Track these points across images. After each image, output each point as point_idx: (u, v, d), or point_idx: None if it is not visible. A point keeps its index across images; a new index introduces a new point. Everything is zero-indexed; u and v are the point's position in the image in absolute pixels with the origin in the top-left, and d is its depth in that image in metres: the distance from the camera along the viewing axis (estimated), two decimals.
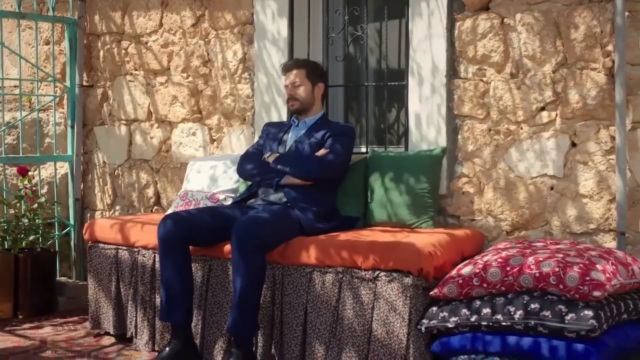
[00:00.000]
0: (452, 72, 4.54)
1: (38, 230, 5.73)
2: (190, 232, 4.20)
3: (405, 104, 4.72)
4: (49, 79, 6.23)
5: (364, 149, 4.90)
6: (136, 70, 5.93)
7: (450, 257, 3.99)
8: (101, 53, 6.12)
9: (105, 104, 6.15)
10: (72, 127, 6.13)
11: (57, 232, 6.00)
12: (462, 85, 4.49)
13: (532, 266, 3.53)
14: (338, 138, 4.49)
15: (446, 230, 4.31)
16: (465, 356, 3.64)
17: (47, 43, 6.42)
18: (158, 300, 4.40)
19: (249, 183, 4.69)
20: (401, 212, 4.40)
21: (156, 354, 4.39)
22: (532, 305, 3.48)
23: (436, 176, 4.46)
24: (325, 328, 3.92)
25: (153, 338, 4.51)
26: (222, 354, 4.18)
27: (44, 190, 6.12)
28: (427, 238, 4.00)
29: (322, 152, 4.45)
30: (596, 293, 3.35)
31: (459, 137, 4.54)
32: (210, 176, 5.04)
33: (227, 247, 4.14)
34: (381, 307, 3.77)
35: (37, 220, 5.74)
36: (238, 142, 5.38)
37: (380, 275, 3.81)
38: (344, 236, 4.12)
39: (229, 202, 4.81)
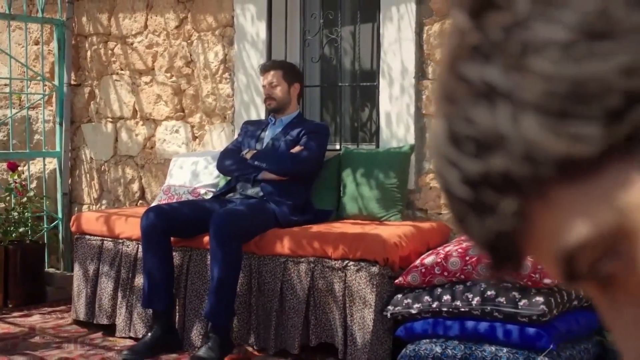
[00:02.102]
0: (421, 74, 4.78)
1: (27, 223, 5.91)
2: (171, 223, 4.43)
3: (376, 103, 4.96)
4: (38, 78, 6.37)
5: (338, 146, 5.13)
6: (122, 70, 6.11)
7: (416, 248, 4.22)
8: (88, 53, 6.30)
9: (92, 102, 6.31)
10: (61, 124, 6.28)
11: (45, 225, 6.18)
12: (430, 86, 4.73)
13: None
14: (313, 136, 4.71)
15: (413, 223, 4.55)
16: (427, 340, 3.86)
17: (37, 43, 6.55)
18: (141, 289, 4.62)
19: (228, 178, 4.90)
20: (371, 206, 4.65)
21: (139, 339, 4.61)
22: (489, 292, 3.72)
23: (405, 172, 4.70)
24: (297, 314, 4.16)
25: (136, 324, 4.72)
26: (200, 339, 4.41)
27: (33, 185, 6.28)
28: (393, 230, 4.24)
29: (297, 149, 4.67)
30: (547, 280, 3.60)
31: (427, 135, 4.78)
32: (192, 171, 5.26)
33: (206, 238, 4.35)
34: (349, 295, 4.01)
35: (26, 214, 5.92)
36: (219, 139, 5.60)
37: (349, 264, 4.04)
38: (316, 228, 4.36)
39: (209, 196, 5.03)
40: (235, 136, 5.21)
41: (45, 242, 6.13)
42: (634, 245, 0.44)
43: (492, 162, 0.45)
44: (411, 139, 4.77)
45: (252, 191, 4.64)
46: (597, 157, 0.43)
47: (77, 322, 5.06)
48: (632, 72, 0.42)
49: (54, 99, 6.44)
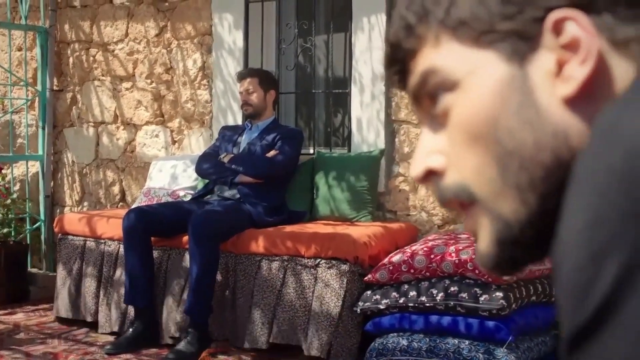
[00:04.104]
0: (390, 82, 4.98)
1: (11, 225, 6.06)
2: (151, 224, 4.62)
3: (348, 109, 5.18)
4: (22, 83, 6.51)
5: (311, 151, 5.34)
6: (103, 76, 6.26)
7: (385, 247, 4.44)
8: (71, 59, 6.43)
9: (74, 107, 6.44)
10: (43, 128, 6.39)
11: (28, 227, 6.32)
12: (399, 93, 4.94)
13: (452, 254, 4.00)
14: (287, 140, 4.91)
15: (382, 224, 4.77)
16: (394, 334, 4.07)
17: (20, 49, 6.66)
18: (122, 286, 4.80)
19: (207, 181, 5.10)
20: (343, 207, 4.86)
21: (121, 335, 4.78)
22: (452, 288, 3.94)
23: (375, 175, 4.92)
24: (271, 310, 4.35)
25: (117, 321, 4.88)
26: (180, 334, 4.59)
27: (17, 187, 6.40)
28: (363, 230, 4.46)
29: (272, 153, 4.87)
30: (506, 277, 3.83)
31: (396, 140, 5.01)
32: (171, 174, 5.44)
33: (185, 238, 4.55)
34: (321, 291, 4.21)
35: (9, 215, 6.06)
36: (197, 143, 5.78)
37: (320, 262, 4.25)
38: (289, 228, 4.57)
39: (188, 198, 5.21)
40: (213, 141, 5.39)
41: (28, 243, 6.26)
42: (453, 97, 0.71)
43: (430, 3, 0.73)
44: (381, 144, 4.99)
45: (229, 193, 4.83)
46: (480, 34, 0.70)
47: (60, 319, 5.21)
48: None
49: (36, 104, 6.55)
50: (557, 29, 0.67)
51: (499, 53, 0.69)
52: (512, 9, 0.69)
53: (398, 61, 0.77)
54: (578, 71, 0.65)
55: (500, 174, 0.68)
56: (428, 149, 0.75)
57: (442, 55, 0.72)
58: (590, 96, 0.65)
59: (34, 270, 6.29)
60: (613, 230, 0.50)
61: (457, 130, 0.71)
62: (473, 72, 0.70)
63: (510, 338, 3.79)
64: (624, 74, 0.65)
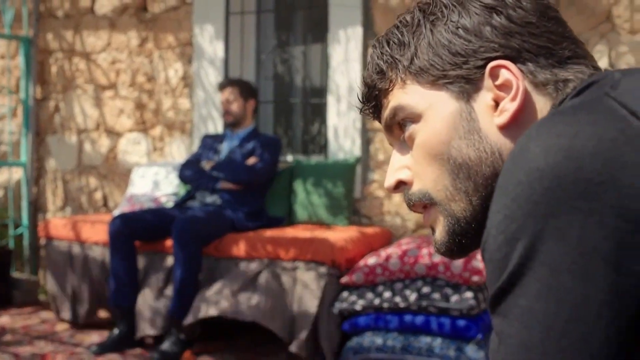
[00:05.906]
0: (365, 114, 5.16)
1: None
2: (136, 229, 4.77)
3: (325, 118, 5.37)
4: (5, 91, 6.63)
5: (290, 158, 5.52)
6: (86, 84, 6.41)
7: (360, 250, 4.62)
8: (54, 68, 6.55)
9: (57, 114, 6.55)
10: (27, 135, 6.49)
11: (12, 232, 6.41)
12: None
13: (425, 257, 4.20)
14: (266, 148, 5.08)
15: (358, 228, 4.96)
16: (370, 333, 4.26)
17: (3, 57, 6.76)
18: (107, 289, 4.94)
19: (189, 187, 5.27)
20: (320, 213, 5.05)
21: (106, 335, 4.94)
22: (425, 290, 4.14)
23: (351, 181, 5.11)
24: (251, 311, 4.51)
25: (102, 322, 5.04)
26: (163, 336, 4.75)
27: (0, 194, 6.57)
28: (340, 234, 4.64)
29: (252, 160, 5.04)
30: (475, 278, 4.03)
31: (371, 148, 5.19)
32: (154, 181, 5.58)
33: (168, 242, 4.73)
34: (299, 292, 4.39)
35: None
36: (178, 150, 5.93)
37: (299, 265, 4.44)
38: (269, 233, 4.75)
39: (170, 204, 5.38)
40: (195, 148, 5.55)
41: (12, 248, 6.34)
42: (416, 126, 0.94)
43: (398, 54, 0.96)
44: (357, 152, 5.18)
45: (210, 199, 5.00)
46: (436, 78, 0.93)
47: (46, 322, 5.35)
48: (476, 52, 0.92)
49: (20, 112, 6.66)
50: (494, 74, 0.90)
51: (450, 93, 0.92)
52: (460, 60, 0.92)
53: (373, 98, 1.00)
54: (509, 105, 0.89)
55: (452, 182, 0.92)
56: (398, 166, 0.99)
57: (407, 95, 0.95)
58: (519, 124, 0.89)
59: (17, 274, 6.38)
60: (520, 223, 0.72)
61: (419, 151, 0.94)
62: (431, 107, 0.93)
63: (479, 336, 3.99)
64: (543, 109, 0.89)
